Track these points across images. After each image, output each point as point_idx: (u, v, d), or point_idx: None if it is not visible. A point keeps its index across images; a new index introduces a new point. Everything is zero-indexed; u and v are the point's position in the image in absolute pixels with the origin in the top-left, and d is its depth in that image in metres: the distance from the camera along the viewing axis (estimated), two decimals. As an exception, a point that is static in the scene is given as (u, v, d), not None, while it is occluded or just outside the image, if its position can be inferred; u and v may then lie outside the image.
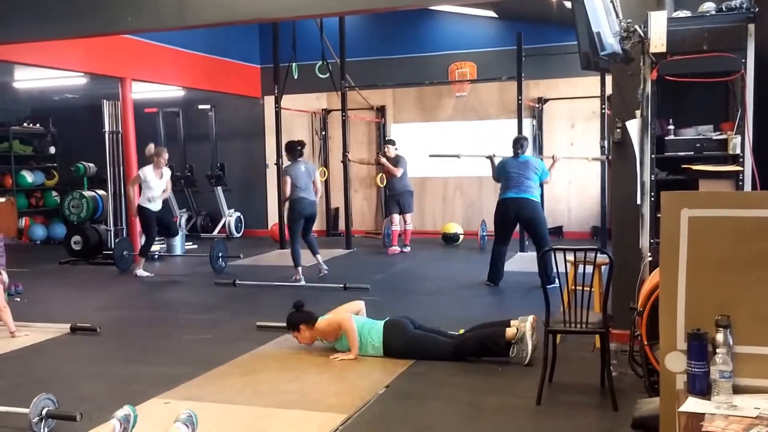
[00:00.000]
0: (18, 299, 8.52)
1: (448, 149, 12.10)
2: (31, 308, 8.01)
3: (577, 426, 4.31)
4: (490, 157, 9.66)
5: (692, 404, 2.76)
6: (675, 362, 2.96)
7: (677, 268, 2.97)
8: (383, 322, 5.91)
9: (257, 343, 6.33)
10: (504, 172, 8.66)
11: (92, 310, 8.17)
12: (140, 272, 10.20)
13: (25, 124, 15.70)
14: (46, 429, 4.35)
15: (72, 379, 5.49)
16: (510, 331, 5.52)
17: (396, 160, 11.76)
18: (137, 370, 5.76)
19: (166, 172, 10.42)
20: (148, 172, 10.13)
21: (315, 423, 4.41)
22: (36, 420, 4.34)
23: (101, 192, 12.35)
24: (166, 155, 10.32)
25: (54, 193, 16.10)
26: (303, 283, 9.24)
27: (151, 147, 10.38)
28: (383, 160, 11.71)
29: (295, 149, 9.51)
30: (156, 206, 10.24)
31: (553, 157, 9.43)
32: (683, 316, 2.96)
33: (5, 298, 6.90)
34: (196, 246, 13.06)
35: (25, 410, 4.38)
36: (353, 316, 5.96)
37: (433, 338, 5.80)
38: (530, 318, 5.57)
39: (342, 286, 8.79)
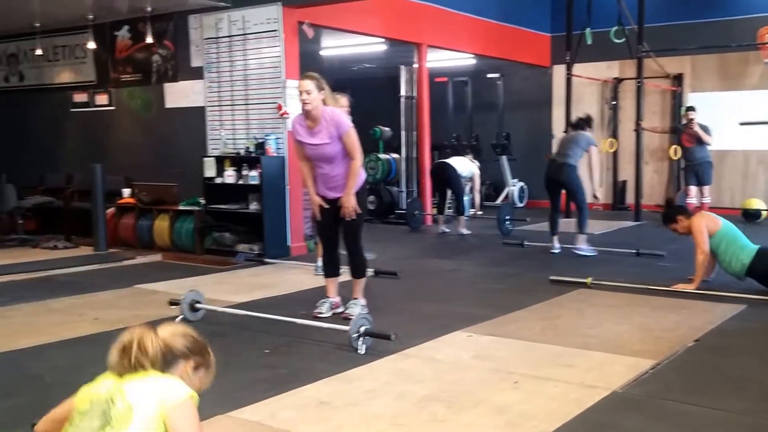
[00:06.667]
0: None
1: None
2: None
3: None
4: None
5: None
6: None
7: None
8: (758, 247, 6.40)
9: (551, 295, 6.33)
10: None
11: (390, 259, 8.58)
12: (463, 230, 10.78)
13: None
14: (363, 345, 4.66)
15: (378, 312, 5.76)
16: None
17: (705, 128, 11.11)
18: (438, 308, 6.00)
19: None
20: None
21: (622, 365, 4.31)
22: (355, 336, 4.67)
23: (395, 155, 12.90)
24: None
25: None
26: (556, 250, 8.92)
27: None
28: (696, 127, 11.07)
29: None
30: None
31: None
32: None
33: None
34: (481, 212, 13.25)
35: (346, 328, 4.78)
36: (727, 223, 6.59)
37: None
38: None
39: (635, 252, 8.52)
